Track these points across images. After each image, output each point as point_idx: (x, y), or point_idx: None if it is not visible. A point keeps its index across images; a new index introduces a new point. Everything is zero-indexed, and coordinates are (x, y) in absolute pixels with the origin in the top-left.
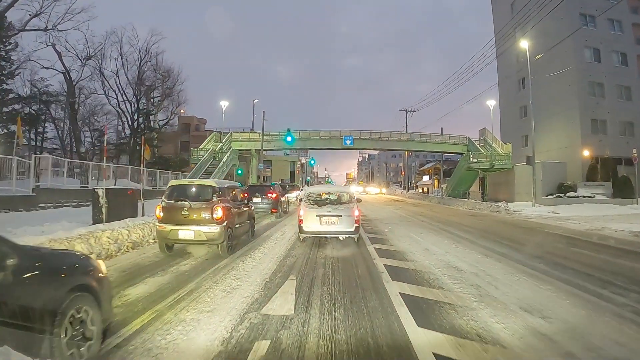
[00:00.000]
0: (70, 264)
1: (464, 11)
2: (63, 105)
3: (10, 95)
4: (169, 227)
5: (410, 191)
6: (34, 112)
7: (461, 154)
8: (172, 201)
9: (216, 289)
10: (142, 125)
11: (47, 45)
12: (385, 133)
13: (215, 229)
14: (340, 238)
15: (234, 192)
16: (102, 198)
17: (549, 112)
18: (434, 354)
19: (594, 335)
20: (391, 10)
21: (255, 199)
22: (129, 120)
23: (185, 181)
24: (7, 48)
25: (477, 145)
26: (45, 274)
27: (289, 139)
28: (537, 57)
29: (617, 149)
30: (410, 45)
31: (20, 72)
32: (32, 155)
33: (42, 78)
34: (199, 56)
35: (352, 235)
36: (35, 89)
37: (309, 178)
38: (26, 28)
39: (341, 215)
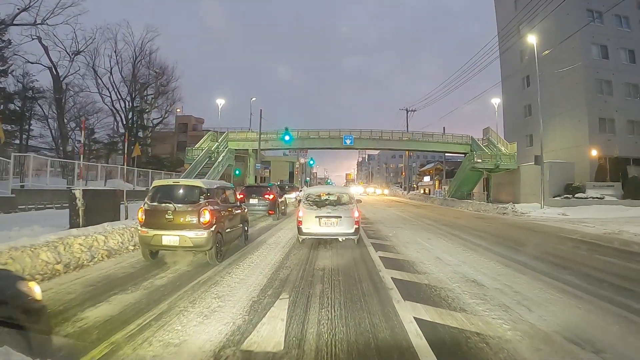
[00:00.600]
0: None
1: (464, 11)
2: (51, 102)
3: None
4: (152, 232)
5: (411, 192)
6: (18, 109)
7: (464, 154)
8: (155, 203)
9: (192, 311)
10: (135, 124)
11: (33, 39)
12: (386, 132)
13: (202, 235)
14: (340, 239)
15: (225, 194)
16: (79, 200)
17: (555, 110)
18: None
19: None
20: (391, 11)
21: (251, 200)
22: (123, 119)
23: (170, 181)
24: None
25: (481, 145)
26: None
27: (286, 138)
28: (545, 52)
29: (626, 149)
30: (410, 46)
31: (14, 70)
32: (12, 154)
33: (27, 73)
34: (198, 57)
35: (352, 237)
36: (20, 85)
37: (308, 179)
38: (14, 22)
39: (341, 217)
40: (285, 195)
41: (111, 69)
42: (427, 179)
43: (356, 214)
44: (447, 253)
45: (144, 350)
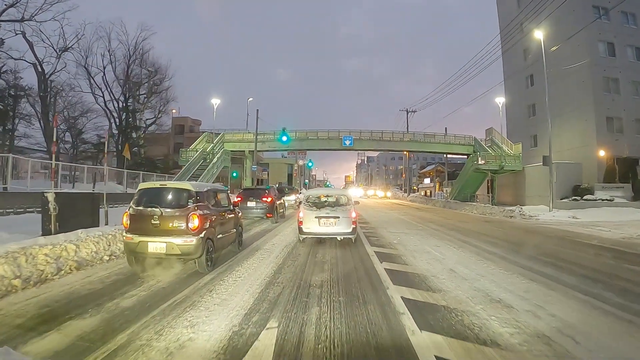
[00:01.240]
0: None
1: (464, 11)
2: (36, 100)
3: None
4: (137, 239)
5: (412, 194)
6: (1, 108)
7: (467, 155)
8: (140, 207)
9: (154, 347)
10: (125, 123)
11: (17, 34)
12: (386, 133)
13: (190, 241)
14: (339, 239)
15: (217, 197)
16: (51, 204)
17: (561, 110)
18: None
19: None
20: (390, 12)
21: (249, 203)
22: (116, 120)
23: (156, 184)
24: None
25: (485, 146)
26: None
27: (284, 138)
28: (553, 48)
29: (634, 149)
30: (410, 47)
31: (6, 71)
32: None
33: (10, 70)
34: (197, 59)
35: (350, 236)
36: (3, 82)
37: (307, 181)
38: (1, 19)
39: (339, 217)
40: (286, 198)
41: (104, 68)
42: (427, 180)
43: (353, 215)
44: (461, 264)
45: None
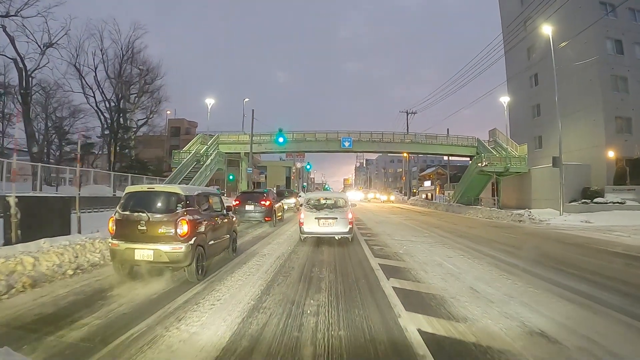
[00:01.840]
0: None
1: (464, 12)
2: (18, 98)
3: None
4: (123, 245)
5: (412, 197)
6: None
7: (469, 156)
8: (127, 212)
9: None
10: (116, 124)
11: None
12: (387, 134)
13: (179, 248)
14: (337, 238)
15: (209, 201)
16: (12, 209)
17: (567, 110)
18: None
19: None
20: (390, 14)
21: (247, 207)
22: (107, 120)
23: (144, 187)
24: None
25: (488, 147)
26: None
27: (280, 139)
28: (562, 44)
29: None
30: (410, 48)
31: None
32: None
33: None
34: (197, 61)
35: (347, 235)
36: None
37: (305, 184)
38: None
39: (337, 218)
40: (286, 201)
41: (96, 67)
42: (427, 183)
43: (350, 216)
44: (481, 280)
45: None
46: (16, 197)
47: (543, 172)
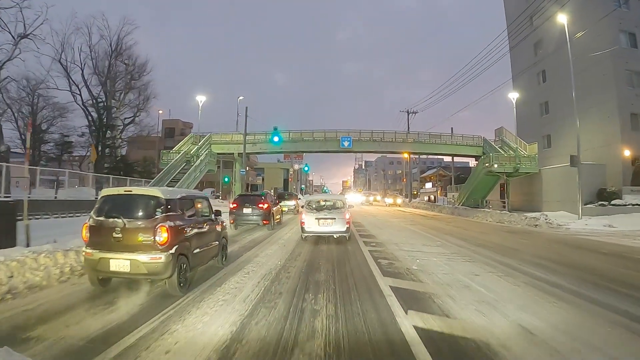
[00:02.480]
0: None
1: (464, 12)
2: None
3: None
4: (97, 255)
5: (414, 200)
6: None
7: (474, 157)
8: (101, 218)
9: None
10: (98, 121)
11: None
12: (388, 133)
13: (158, 258)
14: (335, 236)
15: (195, 205)
16: None
17: (579, 107)
18: None
19: None
20: (389, 15)
21: (245, 210)
22: (93, 119)
23: (120, 190)
24: None
25: (495, 147)
26: None
27: (275, 139)
28: (578, 34)
29: None
30: (409, 50)
31: None
32: None
33: None
34: (197, 62)
35: (344, 234)
36: None
37: (303, 186)
38: None
39: (335, 218)
40: (286, 203)
41: (82, 64)
42: (428, 185)
43: (347, 216)
44: (529, 312)
45: None
46: None
47: (554, 173)
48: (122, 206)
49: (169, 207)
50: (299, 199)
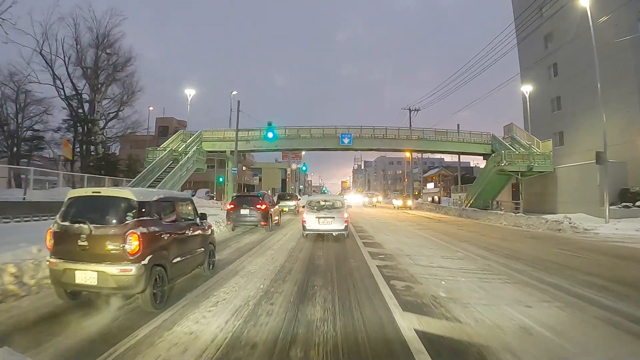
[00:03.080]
0: None
1: (463, 13)
2: None
3: None
4: (62, 265)
5: (416, 201)
6: None
7: (482, 155)
8: (66, 223)
9: None
10: (75, 115)
11: None
12: (391, 130)
13: (129, 270)
14: (334, 234)
15: (176, 208)
16: None
17: (592, 102)
18: None
19: None
20: (388, 16)
21: (242, 211)
22: (74, 113)
23: (88, 191)
24: None
25: (506, 144)
26: None
27: (269, 135)
28: (602, 19)
29: None
30: (409, 50)
31: None
32: None
33: None
34: (197, 62)
35: (343, 232)
36: None
37: (301, 187)
38: None
39: (334, 217)
40: (287, 203)
41: (65, 57)
42: (430, 185)
43: (345, 215)
44: None
45: None
46: None
47: (570, 172)
48: (90, 210)
49: (142, 210)
50: (299, 199)
